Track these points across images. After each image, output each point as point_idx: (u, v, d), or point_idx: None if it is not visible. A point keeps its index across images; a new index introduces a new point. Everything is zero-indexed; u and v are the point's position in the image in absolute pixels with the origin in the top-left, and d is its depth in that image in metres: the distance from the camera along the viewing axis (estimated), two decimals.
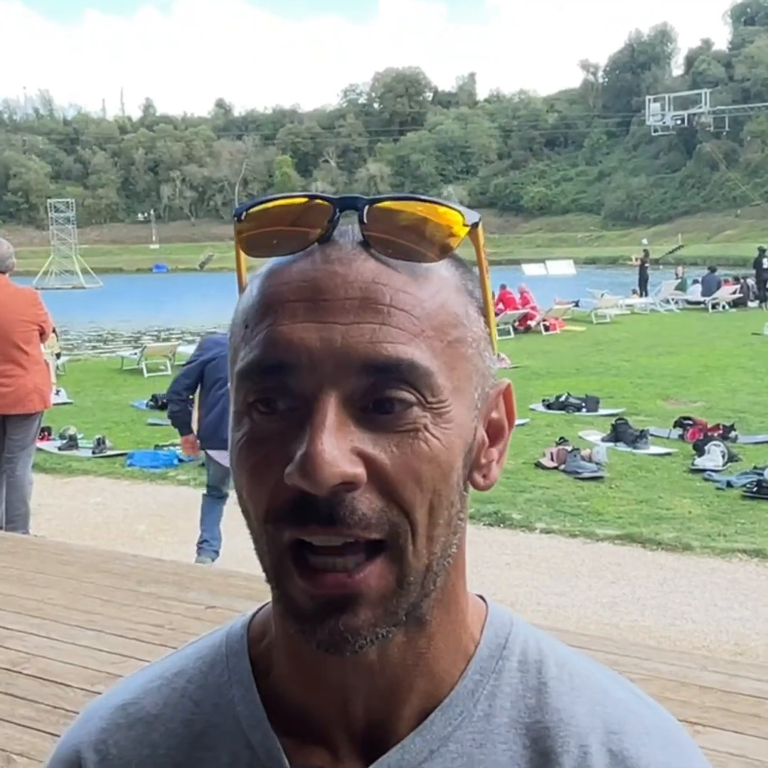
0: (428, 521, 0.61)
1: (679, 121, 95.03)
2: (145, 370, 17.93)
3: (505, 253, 78.34)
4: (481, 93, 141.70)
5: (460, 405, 0.63)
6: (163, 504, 8.88)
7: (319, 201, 0.63)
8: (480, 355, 0.65)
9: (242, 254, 0.67)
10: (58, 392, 12.86)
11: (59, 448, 11.17)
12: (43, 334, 6.60)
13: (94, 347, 26.35)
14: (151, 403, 14.08)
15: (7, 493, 6.56)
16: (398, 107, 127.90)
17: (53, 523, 8.05)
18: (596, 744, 0.67)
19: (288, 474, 0.59)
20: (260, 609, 0.76)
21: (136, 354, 19.42)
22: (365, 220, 0.62)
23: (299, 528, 0.60)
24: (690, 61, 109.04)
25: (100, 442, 11.08)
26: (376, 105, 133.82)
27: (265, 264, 0.65)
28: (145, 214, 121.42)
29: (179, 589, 4.94)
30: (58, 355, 16.76)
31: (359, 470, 0.59)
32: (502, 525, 7.68)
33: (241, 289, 0.67)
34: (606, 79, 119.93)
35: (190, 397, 6.28)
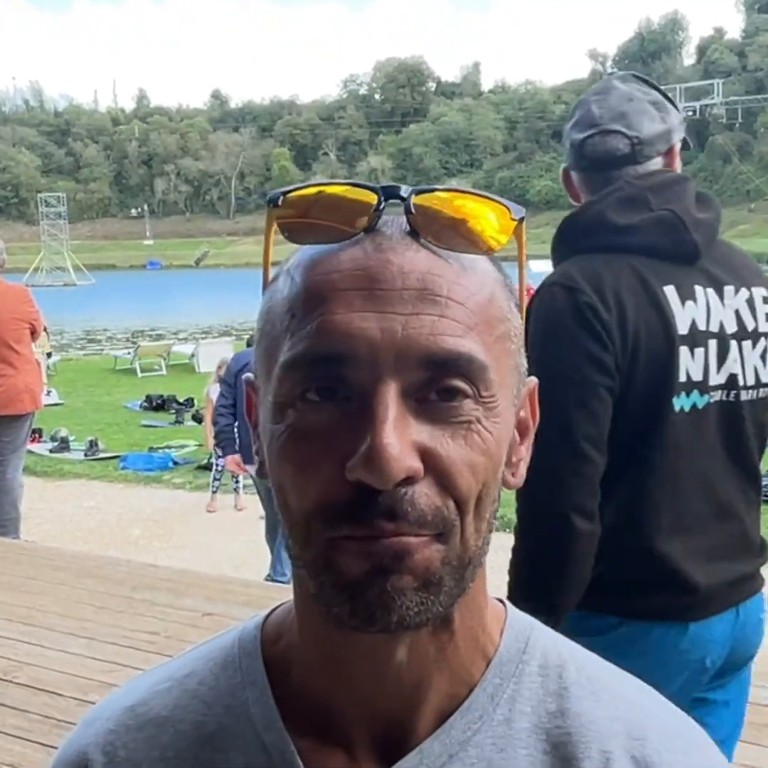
0: (475, 513, 0.62)
1: (690, 113, 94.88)
2: (138, 370, 17.97)
3: (511, 249, 78.26)
4: (486, 83, 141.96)
5: (504, 400, 0.64)
6: (158, 508, 8.89)
7: (362, 189, 0.64)
8: (519, 352, 0.67)
9: (271, 245, 0.67)
10: (48, 393, 12.88)
11: (50, 451, 11.20)
12: (34, 333, 6.60)
13: (86, 346, 26.38)
14: (145, 403, 14.11)
15: None
16: (400, 98, 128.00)
17: (44, 528, 8.07)
18: (619, 750, 0.68)
19: (351, 468, 0.59)
20: (273, 611, 0.76)
21: (129, 353, 19.47)
22: (412, 210, 0.63)
23: (359, 525, 0.60)
24: (702, 50, 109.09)
25: (92, 445, 11.10)
26: (377, 96, 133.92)
27: (297, 254, 0.65)
28: (139, 209, 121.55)
29: (175, 595, 4.95)
30: (48, 355, 16.78)
31: (419, 464, 0.59)
32: (507, 530, 7.62)
33: (266, 280, 0.68)
34: (615, 69, 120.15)
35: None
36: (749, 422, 1.89)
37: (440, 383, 0.61)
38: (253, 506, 8.60)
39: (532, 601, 1.44)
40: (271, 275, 0.69)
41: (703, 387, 1.81)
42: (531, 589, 1.76)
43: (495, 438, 0.63)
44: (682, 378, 1.80)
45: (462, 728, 0.68)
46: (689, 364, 1.81)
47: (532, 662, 0.71)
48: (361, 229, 0.63)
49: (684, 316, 1.81)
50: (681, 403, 1.81)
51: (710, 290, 1.85)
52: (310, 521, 0.61)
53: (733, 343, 1.85)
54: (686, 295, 1.83)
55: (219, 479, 8.78)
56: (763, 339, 1.90)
